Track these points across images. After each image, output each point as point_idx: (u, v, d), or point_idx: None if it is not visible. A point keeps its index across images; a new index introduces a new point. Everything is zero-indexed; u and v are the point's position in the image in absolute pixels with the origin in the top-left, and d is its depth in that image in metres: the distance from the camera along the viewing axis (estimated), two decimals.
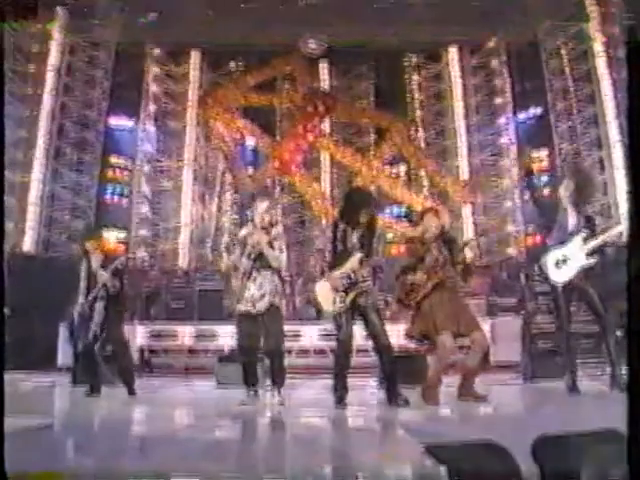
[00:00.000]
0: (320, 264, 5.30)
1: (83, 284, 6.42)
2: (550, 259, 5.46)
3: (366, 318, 5.08)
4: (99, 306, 6.31)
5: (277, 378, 5.43)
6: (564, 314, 5.49)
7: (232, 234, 15.59)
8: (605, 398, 5.19)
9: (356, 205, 5.22)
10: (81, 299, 6.40)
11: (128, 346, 6.90)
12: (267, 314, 5.34)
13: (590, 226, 5.48)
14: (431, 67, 17.04)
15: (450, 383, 5.60)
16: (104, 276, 6.25)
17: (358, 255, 5.04)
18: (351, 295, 5.01)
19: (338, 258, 5.11)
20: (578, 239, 5.36)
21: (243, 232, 5.60)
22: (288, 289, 11.84)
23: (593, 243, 5.31)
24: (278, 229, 5.64)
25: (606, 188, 13.43)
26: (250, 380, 5.43)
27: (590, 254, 5.31)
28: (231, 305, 5.50)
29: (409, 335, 5.27)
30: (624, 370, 5.48)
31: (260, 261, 5.38)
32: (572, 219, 5.47)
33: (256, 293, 5.33)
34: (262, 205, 5.56)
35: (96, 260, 6.42)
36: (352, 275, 5.03)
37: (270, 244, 5.39)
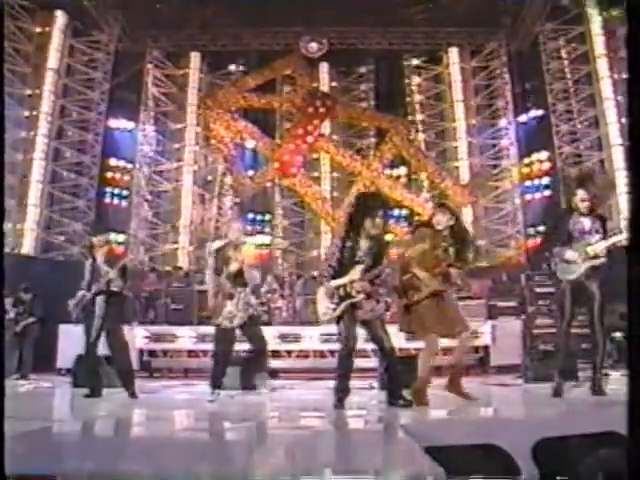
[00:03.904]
0: (325, 272, 5.30)
1: (87, 278, 6.41)
2: (559, 257, 5.41)
3: (368, 329, 5.13)
4: (100, 300, 6.30)
5: (261, 374, 6.44)
6: (568, 315, 5.46)
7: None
8: (603, 400, 5.16)
9: (368, 211, 5.15)
10: (82, 292, 6.39)
11: (127, 347, 6.87)
12: (247, 323, 6.02)
13: (603, 228, 5.46)
14: (431, 69, 17.04)
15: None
16: (110, 273, 6.25)
17: (360, 267, 5.03)
18: (342, 307, 5.01)
19: (344, 267, 5.09)
20: (590, 240, 5.34)
21: (215, 246, 6.19)
22: (288, 290, 11.83)
23: (603, 244, 5.28)
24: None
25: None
26: (217, 382, 5.98)
27: (597, 256, 5.29)
28: (211, 319, 6.13)
29: (401, 329, 5.37)
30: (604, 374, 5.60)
31: (238, 279, 5.99)
32: (587, 223, 5.43)
33: (233, 310, 5.96)
34: (236, 225, 6.32)
35: (101, 256, 6.42)
36: (348, 286, 5.03)
37: (243, 262, 6.02)
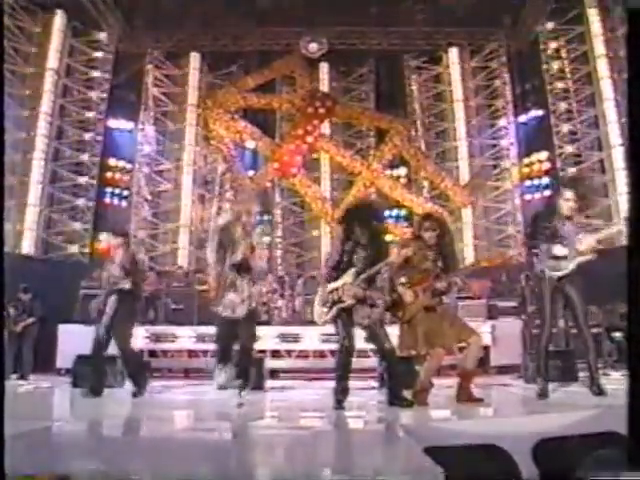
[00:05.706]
0: (325, 275, 5.34)
1: (104, 278, 6.54)
2: (547, 255, 5.38)
3: (367, 332, 5.15)
4: (111, 300, 6.36)
5: (242, 378, 5.84)
6: (548, 316, 5.44)
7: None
8: (603, 400, 5.16)
9: (355, 221, 5.20)
10: (100, 292, 6.55)
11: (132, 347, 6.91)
12: (245, 318, 5.80)
13: (585, 229, 5.46)
14: (431, 69, 17.03)
15: (451, 384, 5.60)
16: (114, 272, 6.32)
17: (353, 270, 5.06)
18: (333, 312, 5.05)
19: (343, 271, 5.12)
20: (574, 240, 5.33)
21: (222, 220, 5.95)
22: (288, 290, 11.83)
23: (587, 241, 5.26)
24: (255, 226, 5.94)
25: (607, 190, 13.43)
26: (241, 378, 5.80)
27: (583, 253, 5.28)
28: (214, 309, 5.88)
29: (402, 350, 5.30)
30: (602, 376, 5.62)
31: (242, 269, 5.75)
32: (571, 227, 5.40)
33: (236, 299, 5.74)
34: (255, 200, 5.91)
35: (116, 257, 6.57)
36: (340, 290, 5.04)
37: (252, 249, 5.77)
